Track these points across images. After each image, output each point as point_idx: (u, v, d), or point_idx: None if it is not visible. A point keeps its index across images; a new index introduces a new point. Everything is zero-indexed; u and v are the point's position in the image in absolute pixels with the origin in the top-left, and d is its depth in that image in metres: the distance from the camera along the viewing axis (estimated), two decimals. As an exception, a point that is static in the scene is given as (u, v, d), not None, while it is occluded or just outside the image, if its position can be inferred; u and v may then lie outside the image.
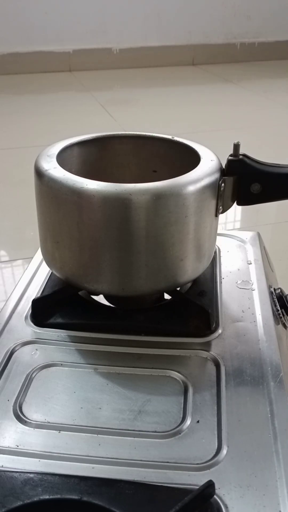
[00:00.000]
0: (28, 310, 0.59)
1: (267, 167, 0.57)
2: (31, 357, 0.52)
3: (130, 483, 0.39)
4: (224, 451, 0.42)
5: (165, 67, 3.34)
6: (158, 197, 0.51)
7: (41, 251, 0.60)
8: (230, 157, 0.57)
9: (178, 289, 0.59)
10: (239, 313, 0.59)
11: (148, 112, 2.55)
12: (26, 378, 0.50)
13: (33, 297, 0.60)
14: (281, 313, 0.61)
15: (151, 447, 0.43)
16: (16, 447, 0.43)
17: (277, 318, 0.59)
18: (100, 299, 0.61)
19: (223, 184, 0.56)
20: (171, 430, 0.45)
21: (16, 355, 0.53)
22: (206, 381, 0.50)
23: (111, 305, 0.61)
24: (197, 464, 0.41)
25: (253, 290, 0.63)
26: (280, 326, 0.59)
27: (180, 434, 0.44)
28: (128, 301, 0.60)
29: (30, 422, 0.45)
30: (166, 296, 0.61)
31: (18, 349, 0.54)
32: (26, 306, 0.60)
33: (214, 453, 0.42)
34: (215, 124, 2.35)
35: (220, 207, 0.58)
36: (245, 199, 0.58)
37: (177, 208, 0.52)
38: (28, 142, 2.04)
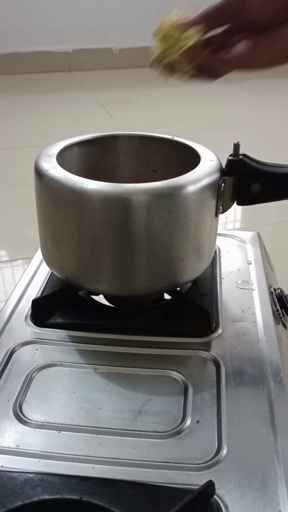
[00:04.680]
0: (28, 310, 0.59)
1: (267, 167, 0.57)
2: (31, 357, 0.52)
3: (130, 483, 0.39)
4: (224, 451, 0.42)
5: (165, 67, 3.32)
6: (158, 197, 0.51)
7: (41, 251, 0.60)
8: (230, 157, 0.57)
9: (178, 289, 0.59)
10: (239, 313, 0.59)
11: (148, 112, 2.54)
12: (26, 378, 0.50)
13: (33, 297, 0.60)
14: (281, 313, 0.61)
15: (151, 447, 0.43)
16: (16, 447, 0.43)
17: (277, 318, 0.59)
18: (100, 299, 0.61)
19: (223, 184, 0.56)
20: (171, 430, 0.44)
21: (16, 355, 0.53)
22: (206, 381, 0.50)
23: (111, 305, 0.61)
24: (197, 464, 0.41)
25: (253, 290, 0.63)
26: (280, 326, 0.59)
27: (180, 434, 0.44)
28: (128, 301, 0.60)
29: (30, 422, 0.45)
30: (166, 296, 0.61)
31: (18, 349, 0.54)
32: (26, 306, 0.60)
33: (214, 453, 0.42)
34: (215, 124, 2.34)
35: (220, 207, 0.58)
36: (245, 199, 0.58)
37: (177, 208, 0.52)
38: (28, 142, 2.04)
